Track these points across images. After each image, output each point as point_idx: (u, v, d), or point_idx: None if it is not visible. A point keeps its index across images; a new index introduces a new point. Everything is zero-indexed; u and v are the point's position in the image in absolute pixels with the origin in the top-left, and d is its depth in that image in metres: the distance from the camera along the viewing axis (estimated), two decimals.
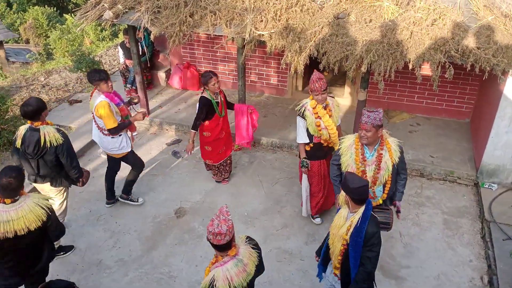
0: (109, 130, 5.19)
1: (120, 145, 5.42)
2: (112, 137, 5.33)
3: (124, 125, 5.34)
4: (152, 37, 6.30)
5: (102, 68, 9.67)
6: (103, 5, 6.47)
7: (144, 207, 5.90)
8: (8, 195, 3.52)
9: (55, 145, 4.42)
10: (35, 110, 4.33)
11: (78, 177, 4.81)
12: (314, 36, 5.54)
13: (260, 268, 3.14)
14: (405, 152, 6.65)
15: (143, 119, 5.63)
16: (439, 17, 5.38)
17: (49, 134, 4.40)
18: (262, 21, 5.81)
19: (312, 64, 5.96)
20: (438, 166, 6.43)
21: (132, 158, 5.64)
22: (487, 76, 5.10)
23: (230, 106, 6.09)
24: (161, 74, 8.96)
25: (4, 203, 3.52)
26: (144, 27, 6.24)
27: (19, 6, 22.42)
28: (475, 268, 4.98)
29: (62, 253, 5.11)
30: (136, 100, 5.80)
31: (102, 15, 6.44)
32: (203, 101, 5.56)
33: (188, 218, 5.72)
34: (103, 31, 15.13)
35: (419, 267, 4.99)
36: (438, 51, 5.15)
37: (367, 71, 5.43)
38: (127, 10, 6.45)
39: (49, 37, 15.37)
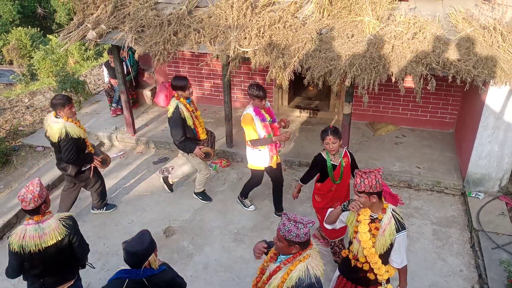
0: (250, 141, 5.43)
1: (259, 158, 5.54)
2: (252, 149, 5.50)
3: (264, 141, 5.40)
4: (136, 56, 6.30)
5: (87, 88, 9.61)
6: (86, 25, 6.47)
7: (132, 227, 5.82)
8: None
9: None
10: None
11: None
12: (298, 52, 5.60)
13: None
14: (392, 163, 6.75)
15: (286, 139, 5.52)
16: (420, 31, 5.49)
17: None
18: (246, 38, 5.85)
19: (297, 79, 6.00)
20: (424, 176, 6.48)
21: (271, 173, 5.76)
22: (469, 87, 5.19)
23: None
24: (147, 93, 8.95)
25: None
26: (128, 46, 6.24)
27: (2, 27, 22.29)
28: (466, 278, 4.99)
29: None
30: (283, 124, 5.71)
31: (86, 35, 6.43)
32: (316, 159, 4.89)
33: (177, 237, 5.65)
34: (87, 50, 15.08)
35: (410, 278, 4.94)
36: (419, 64, 5.24)
37: (351, 85, 5.48)
38: (110, 29, 6.45)
39: (32, 57, 15.26)
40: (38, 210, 3.54)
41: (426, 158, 6.92)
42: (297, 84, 7.61)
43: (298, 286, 2.90)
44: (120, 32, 6.35)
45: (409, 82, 6.19)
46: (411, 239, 5.53)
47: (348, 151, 4.83)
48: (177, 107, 5.51)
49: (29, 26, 20.76)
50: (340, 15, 5.90)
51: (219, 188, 6.57)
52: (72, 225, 3.72)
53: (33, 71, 14.21)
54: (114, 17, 6.51)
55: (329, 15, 5.95)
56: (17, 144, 8.00)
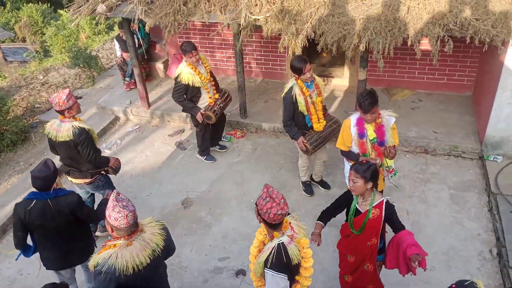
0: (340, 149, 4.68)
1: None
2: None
3: (353, 156, 4.53)
4: (147, 28, 6.25)
5: (100, 62, 9.62)
6: None
7: (150, 199, 5.94)
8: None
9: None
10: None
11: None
12: (310, 18, 5.48)
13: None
14: (408, 129, 6.66)
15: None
16: None
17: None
18: (256, 5, 5.73)
19: (310, 46, 5.90)
20: (442, 141, 6.40)
21: None
22: (487, 47, 5.04)
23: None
24: (159, 65, 8.91)
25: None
26: (138, 19, 6.18)
27: (13, 5, 22.25)
28: (483, 241, 4.99)
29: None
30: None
31: (95, 9, 6.38)
32: (343, 196, 3.86)
33: (195, 208, 5.75)
34: (98, 25, 15.02)
35: (428, 243, 5.00)
36: (436, 25, 5.09)
37: (365, 49, 5.37)
38: (120, 2, 6.38)
39: (44, 34, 15.28)
40: (63, 112, 4.40)
41: (443, 122, 6.82)
42: (310, 51, 7.47)
43: None
44: (129, 5, 6.28)
45: (425, 44, 6.04)
46: (428, 204, 5.53)
47: (388, 204, 3.57)
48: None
49: (39, 2, 20.70)
50: None
51: (235, 159, 6.61)
52: (78, 133, 4.45)
53: (46, 47, 14.27)
54: None
55: None
56: (35, 121, 8.12)
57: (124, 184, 6.08)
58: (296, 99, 5.05)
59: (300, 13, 5.55)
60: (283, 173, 6.25)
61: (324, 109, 5.42)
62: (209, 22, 6.05)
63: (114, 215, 2.86)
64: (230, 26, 6.02)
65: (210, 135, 6.46)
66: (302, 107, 5.07)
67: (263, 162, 6.51)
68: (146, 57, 8.49)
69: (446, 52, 5.10)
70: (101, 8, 6.29)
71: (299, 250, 3.09)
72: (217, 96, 6.12)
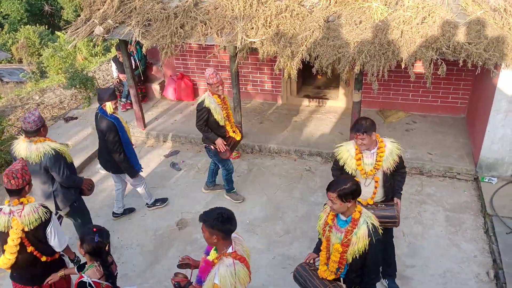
0: None
1: None
2: None
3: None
4: (144, 50, 6.31)
5: (96, 83, 9.66)
6: (93, 21, 6.48)
7: (145, 220, 5.88)
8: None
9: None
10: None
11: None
12: (306, 41, 5.56)
13: None
14: (403, 151, 6.66)
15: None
16: (429, 15, 5.40)
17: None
18: (252, 28, 5.82)
19: (305, 68, 5.97)
20: (437, 163, 6.43)
21: None
22: (480, 70, 5.12)
23: None
24: (155, 86, 8.97)
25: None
26: (135, 41, 6.25)
27: (11, 26, 22.47)
28: (480, 263, 4.96)
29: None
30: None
31: (93, 31, 6.45)
32: None
33: (190, 230, 5.69)
34: (95, 46, 15.14)
35: (424, 265, 4.97)
36: (429, 49, 5.17)
37: (360, 72, 5.44)
38: (117, 24, 6.46)
39: (41, 55, 15.37)
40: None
41: (438, 144, 6.86)
42: (306, 73, 7.56)
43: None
44: (127, 27, 6.36)
45: (419, 67, 6.13)
46: (424, 226, 5.51)
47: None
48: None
49: (37, 24, 20.93)
50: (347, 2, 5.82)
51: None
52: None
53: (43, 68, 14.34)
54: (121, 11, 6.52)
55: (336, 2, 5.87)
56: None
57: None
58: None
59: (296, 36, 5.64)
60: (278, 194, 6.23)
61: None
62: (205, 45, 6.12)
63: None
64: (226, 48, 6.10)
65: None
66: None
67: (258, 183, 6.49)
68: (142, 78, 8.55)
69: (440, 75, 5.18)
70: (98, 30, 6.36)
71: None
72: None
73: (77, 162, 7.00)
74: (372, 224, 3.27)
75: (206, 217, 3.06)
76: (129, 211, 6.01)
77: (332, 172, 4.34)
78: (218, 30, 5.99)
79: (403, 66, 5.27)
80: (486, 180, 6.04)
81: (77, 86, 9.06)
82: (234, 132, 5.81)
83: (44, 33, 19.66)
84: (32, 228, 3.55)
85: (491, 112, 5.72)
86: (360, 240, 3.24)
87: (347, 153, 4.08)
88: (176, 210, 6.05)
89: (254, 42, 5.77)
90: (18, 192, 3.57)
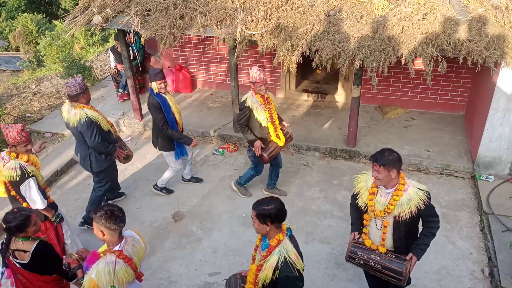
0: None
1: None
2: None
3: None
4: (142, 40, 6.25)
5: (94, 73, 9.58)
6: (91, 10, 6.41)
7: (141, 212, 5.86)
8: None
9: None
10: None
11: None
12: (306, 34, 5.52)
13: None
14: (401, 147, 6.69)
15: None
16: (430, 11, 5.38)
17: None
18: (252, 20, 5.77)
19: (305, 62, 5.93)
20: (434, 160, 6.42)
21: None
22: (480, 68, 5.10)
23: None
24: None
25: None
26: (134, 31, 6.19)
27: (8, 14, 22.23)
28: (475, 260, 4.97)
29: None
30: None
31: (91, 20, 6.38)
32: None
33: (186, 222, 5.68)
34: (93, 36, 15.02)
35: (420, 262, 4.92)
36: (430, 45, 5.15)
37: (360, 67, 5.42)
38: (116, 14, 6.39)
39: (39, 44, 15.24)
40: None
41: (436, 141, 6.85)
42: (305, 67, 7.52)
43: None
44: (125, 16, 6.30)
45: (419, 64, 6.11)
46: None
47: None
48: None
49: (35, 12, 20.71)
50: None
51: (227, 173, 6.57)
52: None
53: (40, 57, 14.21)
54: (120, 1, 6.44)
55: None
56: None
57: None
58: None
59: (296, 30, 5.59)
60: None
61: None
62: (204, 36, 6.07)
63: None
64: (226, 40, 6.05)
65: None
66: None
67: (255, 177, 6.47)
68: (140, 69, 8.48)
69: (439, 72, 5.16)
70: (97, 19, 6.29)
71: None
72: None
73: (72, 152, 6.97)
74: (285, 258, 3.01)
75: (95, 212, 3.06)
76: (196, 180, 6.38)
77: (351, 201, 3.87)
78: (217, 22, 5.94)
79: (403, 62, 5.25)
80: (483, 178, 6.04)
81: (74, 75, 8.99)
82: (277, 136, 5.45)
83: (42, 22, 19.45)
84: (8, 180, 4.15)
85: (490, 111, 5.71)
86: (267, 269, 3.05)
87: (364, 182, 3.63)
88: (172, 202, 6.03)
89: (254, 34, 5.72)
90: (13, 147, 4.15)
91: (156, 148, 5.87)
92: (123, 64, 7.54)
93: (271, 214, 3.03)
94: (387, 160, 3.35)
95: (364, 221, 3.65)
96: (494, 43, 5.03)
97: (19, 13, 21.04)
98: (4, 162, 4.16)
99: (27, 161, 4.22)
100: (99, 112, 5.12)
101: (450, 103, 7.58)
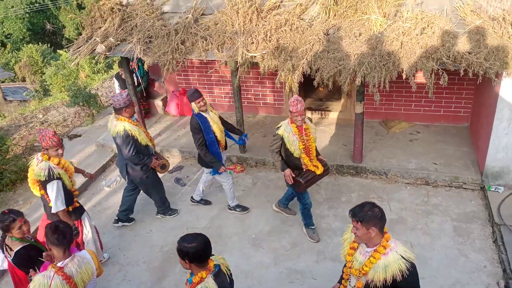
0: None
1: None
2: None
3: None
4: (146, 66, 6.36)
5: (99, 100, 9.71)
6: (95, 39, 6.55)
7: (151, 237, 5.86)
8: None
9: None
10: None
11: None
12: (306, 54, 5.59)
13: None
14: (408, 161, 6.68)
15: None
16: (428, 26, 5.43)
17: None
18: (253, 43, 5.86)
19: (306, 81, 5.99)
20: (442, 172, 6.39)
21: None
22: (481, 79, 5.12)
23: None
24: (158, 102, 9.01)
25: None
26: (137, 58, 6.30)
27: (13, 45, 22.71)
28: (490, 273, 4.90)
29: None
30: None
31: (95, 49, 6.51)
32: None
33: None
34: (98, 64, 15.28)
35: (433, 277, 4.92)
36: (430, 59, 5.19)
37: (361, 83, 5.45)
38: (119, 42, 6.52)
39: (44, 73, 15.51)
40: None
41: (442, 153, 6.84)
42: (307, 86, 7.58)
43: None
44: (128, 44, 6.42)
45: (420, 78, 6.14)
46: (431, 237, 5.46)
47: None
48: None
49: (39, 43, 21.14)
50: (346, 15, 5.87)
51: (235, 194, 6.57)
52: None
53: (46, 86, 14.46)
54: (122, 29, 6.59)
55: (335, 15, 5.93)
56: None
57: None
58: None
59: (296, 50, 5.67)
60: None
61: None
62: (207, 60, 6.15)
63: None
64: (228, 63, 6.13)
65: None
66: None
67: (263, 196, 6.47)
68: (145, 94, 8.60)
69: (441, 84, 5.19)
70: (100, 48, 6.41)
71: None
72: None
73: (81, 180, 7.02)
74: None
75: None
76: (205, 202, 6.40)
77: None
78: (218, 46, 6.04)
79: (404, 77, 5.28)
80: (493, 189, 6.00)
81: (80, 103, 9.11)
82: (315, 166, 5.25)
83: (47, 52, 19.85)
84: (37, 179, 4.56)
85: (495, 121, 5.70)
86: None
87: (349, 234, 3.35)
88: (181, 225, 6.02)
89: (255, 56, 5.80)
90: (45, 150, 4.56)
91: (202, 167, 6.02)
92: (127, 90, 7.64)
93: (189, 252, 2.93)
94: (365, 216, 2.98)
95: (344, 275, 3.43)
96: (493, 54, 5.06)
97: (24, 44, 21.49)
98: (38, 162, 4.56)
99: (57, 164, 4.62)
100: (140, 126, 5.45)
101: (454, 115, 7.58)
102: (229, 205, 6.16)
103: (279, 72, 5.72)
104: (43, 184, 4.57)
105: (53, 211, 4.59)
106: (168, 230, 5.97)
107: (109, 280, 5.23)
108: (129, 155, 5.29)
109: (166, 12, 6.80)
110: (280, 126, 5.14)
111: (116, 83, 8.60)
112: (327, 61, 5.49)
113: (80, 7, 21.10)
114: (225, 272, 3.16)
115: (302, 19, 6.00)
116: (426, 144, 7.14)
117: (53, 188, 4.51)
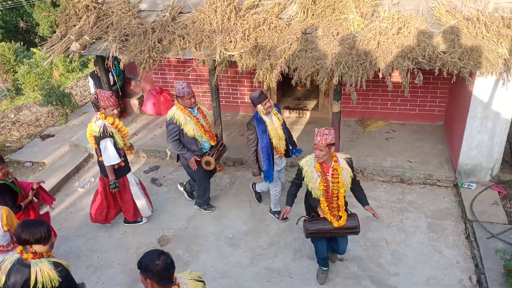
0: None
1: None
2: None
3: None
4: (122, 65, 6.24)
5: (73, 100, 9.50)
6: (69, 37, 6.39)
7: (126, 238, 5.75)
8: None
9: None
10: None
11: None
12: (284, 53, 5.58)
13: None
14: (384, 159, 6.77)
15: None
16: (404, 26, 5.51)
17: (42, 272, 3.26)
18: (231, 41, 5.83)
19: (285, 80, 5.99)
20: (417, 170, 6.50)
21: None
22: (455, 79, 5.21)
23: None
24: (134, 102, 8.87)
25: None
26: (112, 56, 6.18)
27: None
28: (463, 269, 5.00)
29: None
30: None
31: (69, 47, 6.36)
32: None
33: (172, 246, 5.59)
34: (72, 62, 14.95)
35: (408, 273, 4.99)
36: (405, 59, 5.25)
37: (338, 83, 5.48)
38: (94, 40, 6.38)
39: (17, 72, 15.09)
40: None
41: (417, 151, 6.95)
42: (285, 85, 7.58)
43: None
44: (104, 42, 6.29)
45: (396, 77, 6.22)
46: (406, 234, 5.54)
47: None
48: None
49: (12, 41, 20.56)
50: (324, 14, 5.90)
51: (212, 193, 6.52)
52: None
53: (18, 85, 14.07)
54: (97, 27, 6.45)
55: (313, 14, 5.95)
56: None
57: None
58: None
59: (274, 49, 5.66)
60: (262, 207, 6.19)
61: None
62: (184, 59, 6.09)
63: None
64: (205, 62, 6.08)
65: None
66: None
67: (241, 196, 6.44)
68: (120, 93, 8.45)
69: (417, 84, 5.26)
70: (75, 46, 6.26)
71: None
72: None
73: (54, 180, 6.87)
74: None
75: None
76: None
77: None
78: (196, 44, 5.98)
79: (380, 76, 5.34)
80: (466, 186, 6.13)
81: (53, 103, 8.89)
82: (336, 216, 4.47)
83: (20, 50, 19.29)
84: (93, 134, 5.14)
85: (468, 119, 5.82)
86: None
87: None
88: (157, 227, 5.94)
89: (233, 55, 5.77)
90: (103, 109, 5.11)
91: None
92: (102, 89, 7.49)
93: (154, 271, 2.89)
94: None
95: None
96: (467, 53, 5.16)
97: None
98: (96, 119, 5.14)
99: (112, 124, 5.16)
100: (192, 117, 5.50)
101: (429, 113, 7.71)
102: (270, 208, 6.04)
103: (257, 71, 5.70)
104: (97, 140, 5.13)
105: (112, 162, 5.18)
106: (143, 231, 5.88)
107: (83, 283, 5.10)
108: (169, 139, 5.52)
109: (143, 10, 6.69)
110: (303, 161, 4.60)
111: (91, 82, 8.42)
112: (305, 60, 5.50)
113: (54, 4, 20.60)
114: None
115: (280, 18, 6.00)
116: (402, 142, 7.24)
117: (106, 145, 5.09)
